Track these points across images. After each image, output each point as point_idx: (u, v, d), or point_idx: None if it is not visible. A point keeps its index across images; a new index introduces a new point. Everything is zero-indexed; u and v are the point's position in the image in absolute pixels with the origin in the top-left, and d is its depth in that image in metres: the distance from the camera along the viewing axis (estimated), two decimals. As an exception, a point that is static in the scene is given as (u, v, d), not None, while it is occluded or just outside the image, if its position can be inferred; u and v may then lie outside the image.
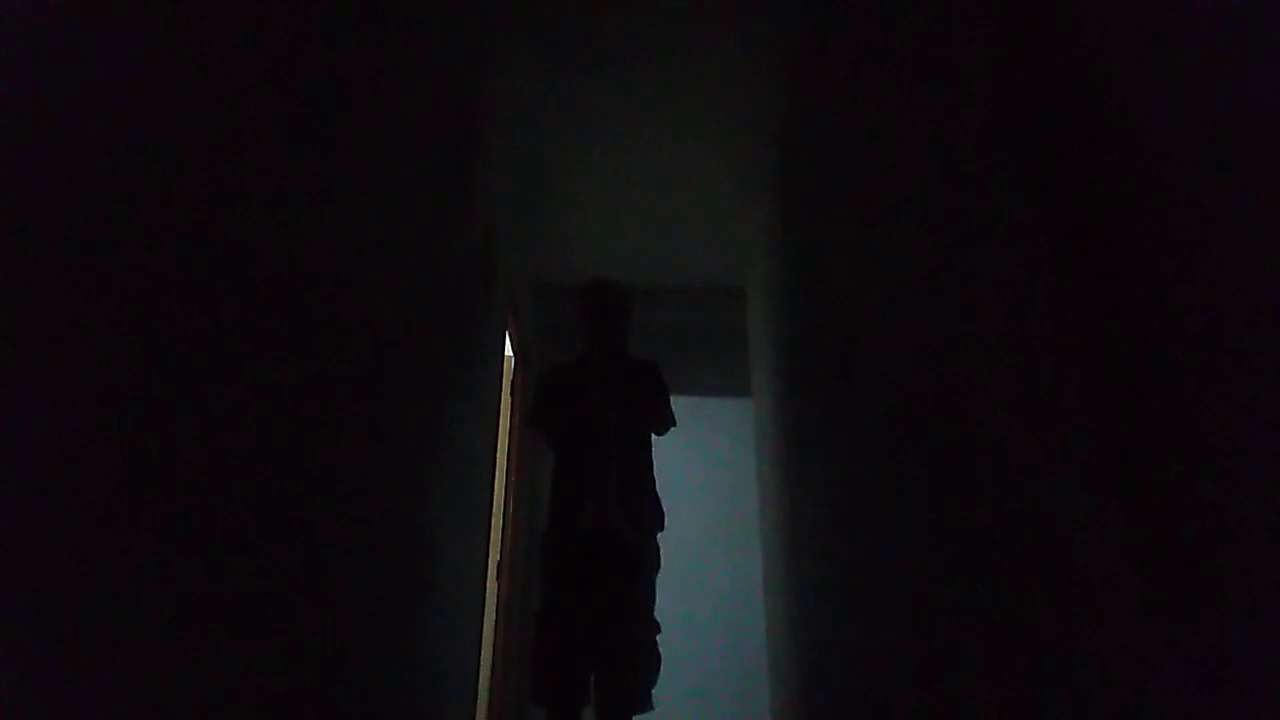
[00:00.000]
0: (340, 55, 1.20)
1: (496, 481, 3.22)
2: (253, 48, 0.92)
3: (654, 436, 2.16)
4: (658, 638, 1.98)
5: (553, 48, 2.30)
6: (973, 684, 1.00)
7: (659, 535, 2.07)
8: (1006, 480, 0.92)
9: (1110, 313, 0.73)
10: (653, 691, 1.92)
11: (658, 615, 2.01)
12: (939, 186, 1.16)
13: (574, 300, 2.23)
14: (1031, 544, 0.85)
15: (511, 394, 3.43)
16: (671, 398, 4.13)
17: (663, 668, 1.99)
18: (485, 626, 2.95)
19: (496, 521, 3.18)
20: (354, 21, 1.26)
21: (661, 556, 2.08)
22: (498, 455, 3.10)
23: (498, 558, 3.08)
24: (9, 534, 0.55)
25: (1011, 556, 0.90)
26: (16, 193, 0.56)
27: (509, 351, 3.39)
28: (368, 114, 1.33)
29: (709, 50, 2.29)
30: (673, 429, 2.18)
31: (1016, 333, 0.90)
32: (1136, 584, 0.67)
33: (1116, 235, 0.73)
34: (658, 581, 2.05)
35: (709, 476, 5.37)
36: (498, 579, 3.03)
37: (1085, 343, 0.76)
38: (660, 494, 2.21)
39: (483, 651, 2.97)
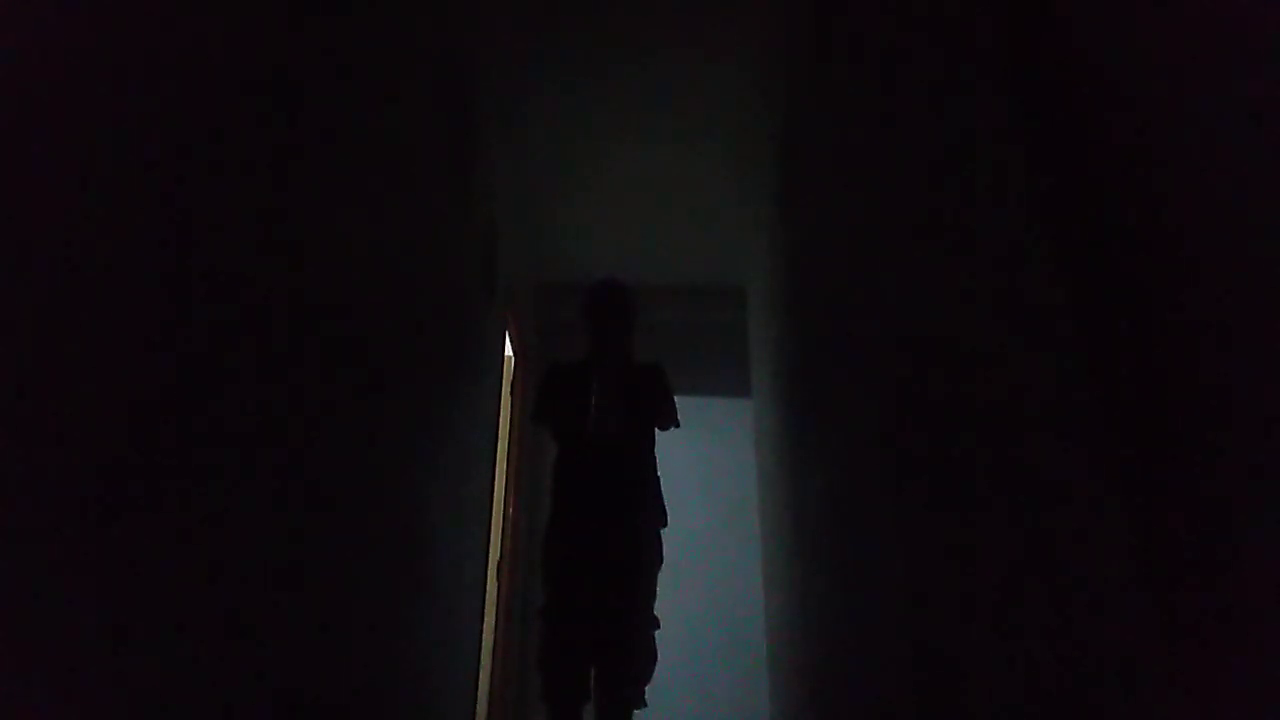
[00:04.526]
0: (339, 55, 1.20)
1: (496, 481, 3.22)
2: (250, 48, 0.92)
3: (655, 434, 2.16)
4: (656, 634, 1.98)
5: (553, 48, 2.30)
6: (973, 683, 1.00)
7: (661, 532, 2.07)
8: (1007, 480, 0.92)
9: (1112, 312, 0.73)
10: (648, 688, 1.92)
11: (657, 613, 2.01)
12: (939, 186, 1.16)
13: (580, 300, 2.22)
14: (1032, 544, 0.86)
15: (511, 394, 3.43)
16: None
17: (664, 666, 1.99)
18: (485, 626, 2.95)
19: (496, 521, 3.18)
20: (353, 21, 1.26)
21: (663, 554, 2.08)
22: (498, 455, 3.10)
23: (498, 557, 3.08)
24: (9, 534, 0.55)
25: (1012, 556, 0.90)
26: (16, 194, 0.56)
27: (509, 351, 3.39)
28: (367, 114, 1.33)
29: (709, 51, 2.29)
30: (674, 428, 2.18)
31: (1017, 332, 0.90)
32: (1137, 584, 0.67)
33: (1119, 233, 0.73)
34: (659, 579, 2.05)
35: (709, 476, 5.37)
36: (498, 578, 3.03)
37: (1087, 342, 0.76)
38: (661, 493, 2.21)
39: (483, 651, 2.97)
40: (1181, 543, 0.63)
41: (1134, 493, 0.68)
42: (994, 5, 0.97)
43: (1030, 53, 0.89)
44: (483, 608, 2.57)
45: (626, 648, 1.89)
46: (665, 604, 4.86)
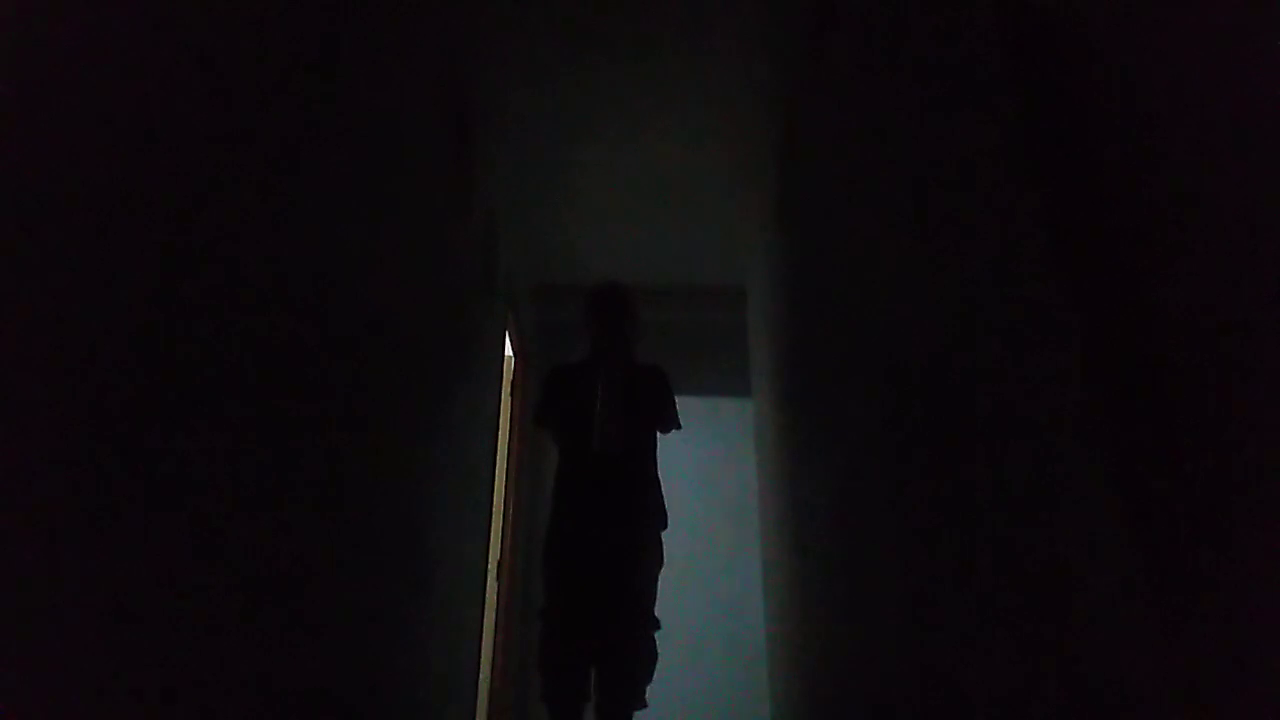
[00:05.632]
0: (337, 55, 1.20)
1: (496, 481, 3.22)
2: (249, 47, 0.92)
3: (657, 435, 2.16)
4: (656, 635, 1.98)
5: (553, 47, 2.30)
6: (972, 683, 1.00)
7: (662, 534, 2.08)
8: (1006, 480, 0.92)
9: (1112, 313, 0.73)
10: (648, 688, 1.92)
11: (657, 613, 2.01)
12: (939, 186, 1.16)
13: (581, 302, 2.22)
14: (1031, 544, 0.86)
15: (511, 394, 3.43)
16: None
17: (663, 666, 2.00)
18: (485, 626, 2.95)
19: (496, 521, 3.18)
20: (351, 21, 1.26)
21: (663, 555, 2.08)
22: (498, 455, 3.10)
23: (498, 558, 3.08)
24: (9, 534, 0.55)
25: (1011, 556, 0.90)
26: (16, 194, 0.56)
27: (509, 351, 3.39)
28: (366, 114, 1.33)
29: (709, 50, 2.29)
30: (675, 430, 2.18)
31: (1017, 333, 0.90)
32: (1136, 585, 0.67)
33: (1119, 234, 0.73)
34: (659, 580, 2.06)
35: (709, 476, 5.36)
36: (498, 579, 3.03)
37: (1087, 343, 0.76)
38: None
39: (483, 651, 2.97)
40: (1181, 543, 0.63)
41: (1134, 493, 0.68)
42: (994, 6, 0.97)
43: (1030, 53, 0.88)
44: (483, 608, 2.56)
45: (627, 648, 1.89)
46: (665, 604, 4.87)
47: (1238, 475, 0.57)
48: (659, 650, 1.99)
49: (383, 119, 1.41)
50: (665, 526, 2.07)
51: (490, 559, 2.82)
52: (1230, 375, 0.58)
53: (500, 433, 3.23)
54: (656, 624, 1.98)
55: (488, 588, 2.74)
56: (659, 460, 5.31)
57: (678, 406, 5.23)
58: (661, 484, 2.14)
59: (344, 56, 1.21)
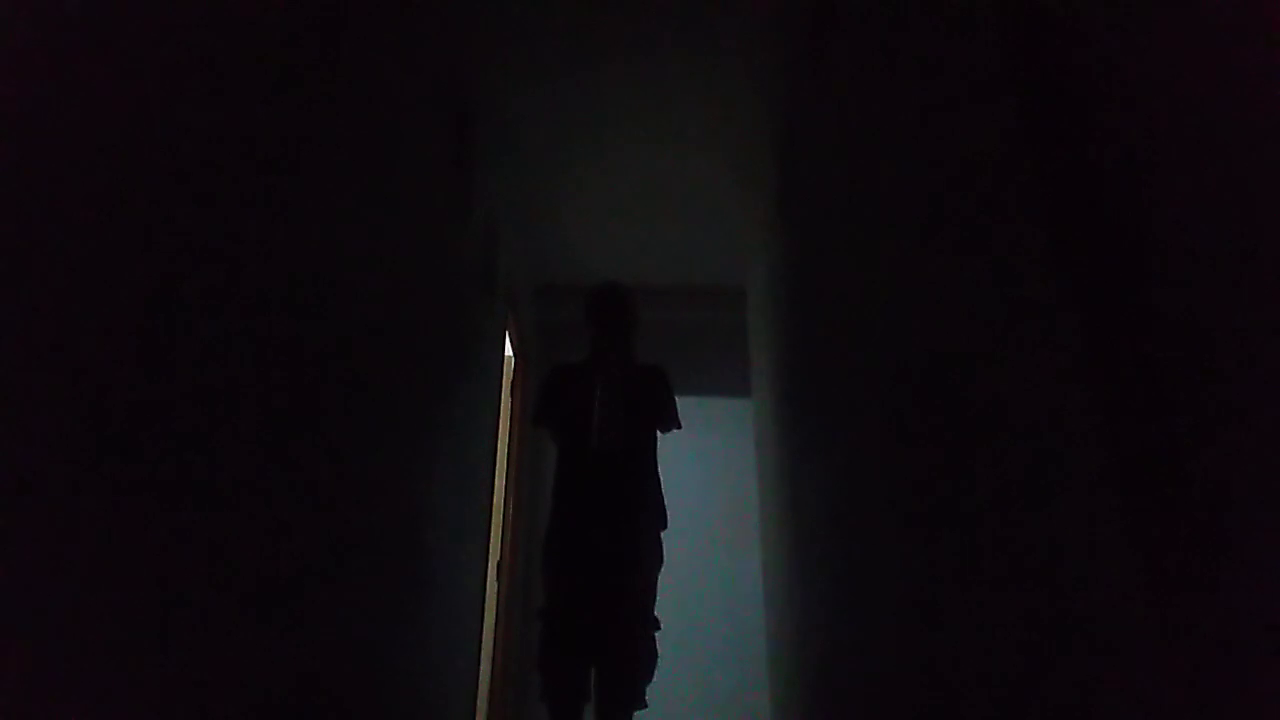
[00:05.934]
0: (337, 55, 1.20)
1: (496, 481, 3.22)
2: (249, 47, 0.92)
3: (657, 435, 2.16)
4: (656, 635, 1.98)
5: (552, 47, 2.30)
6: (972, 682, 1.00)
7: (662, 534, 2.08)
8: (1006, 480, 0.92)
9: (1113, 313, 0.73)
10: (648, 688, 1.92)
11: (657, 613, 2.01)
12: (939, 186, 1.16)
13: (582, 303, 2.23)
14: (1031, 544, 0.86)
15: (511, 394, 3.43)
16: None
17: (663, 666, 2.00)
18: (485, 626, 2.95)
19: (496, 521, 3.18)
20: (351, 21, 1.26)
21: (663, 555, 2.08)
22: (498, 455, 3.10)
23: (498, 558, 3.08)
24: (9, 534, 0.55)
25: (1011, 556, 0.90)
26: (16, 194, 0.56)
27: (509, 351, 3.39)
28: (366, 114, 1.33)
29: (709, 51, 2.29)
30: (675, 429, 2.18)
31: (1018, 333, 0.90)
32: (1136, 584, 0.67)
33: (1119, 234, 0.73)
34: (659, 580, 2.06)
35: (709, 476, 5.36)
36: (498, 579, 3.03)
37: (1088, 344, 0.76)
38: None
39: (483, 651, 2.97)
40: (1181, 543, 0.63)
41: (1134, 493, 0.68)
42: (994, 6, 0.97)
43: (1031, 52, 0.89)
44: (483, 608, 2.56)
45: (627, 648, 1.89)
46: (665, 604, 4.86)
47: (1238, 475, 0.57)
48: (659, 650, 1.99)
49: (383, 119, 1.41)
50: (665, 526, 2.07)
51: (490, 559, 2.82)
52: (1230, 375, 0.58)
53: (500, 433, 3.23)
54: (657, 624, 1.97)
55: (488, 588, 2.74)
56: (659, 460, 5.28)
57: (678, 406, 5.20)
58: (661, 484, 2.14)
59: (344, 56, 1.21)
